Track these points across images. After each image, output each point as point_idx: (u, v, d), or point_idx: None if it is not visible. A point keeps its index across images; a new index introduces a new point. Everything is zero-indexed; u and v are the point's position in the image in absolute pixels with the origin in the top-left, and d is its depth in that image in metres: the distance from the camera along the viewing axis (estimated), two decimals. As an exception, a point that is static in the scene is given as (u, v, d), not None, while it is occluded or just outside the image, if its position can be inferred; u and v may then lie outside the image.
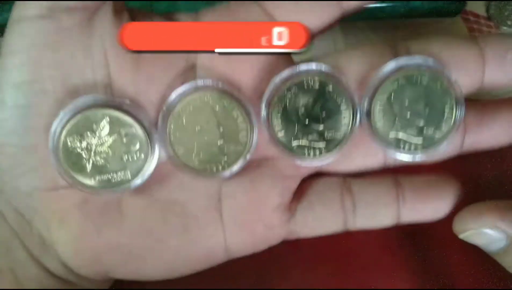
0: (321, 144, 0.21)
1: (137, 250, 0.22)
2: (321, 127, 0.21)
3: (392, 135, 0.21)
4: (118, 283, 0.25)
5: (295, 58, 0.23)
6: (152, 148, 0.22)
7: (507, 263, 0.20)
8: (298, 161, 0.21)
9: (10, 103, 0.20)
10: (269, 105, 0.21)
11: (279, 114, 0.21)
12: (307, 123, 0.21)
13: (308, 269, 0.24)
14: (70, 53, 0.20)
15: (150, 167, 0.22)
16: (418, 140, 0.21)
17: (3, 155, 0.21)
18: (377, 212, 0.23)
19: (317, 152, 0.21)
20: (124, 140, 0.21)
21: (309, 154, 0.21)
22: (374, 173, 0.23)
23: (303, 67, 0.21)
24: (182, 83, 0.22)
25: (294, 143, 0.21)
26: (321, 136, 0.21)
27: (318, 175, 0.24)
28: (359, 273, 0.29)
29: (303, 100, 0.21)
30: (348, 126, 0.21)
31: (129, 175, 0.22)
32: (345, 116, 0.21)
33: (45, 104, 0.21)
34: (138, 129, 0.21)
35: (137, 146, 0.21)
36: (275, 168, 0.23)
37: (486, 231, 0.20)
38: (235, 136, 0.22)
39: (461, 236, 0.21)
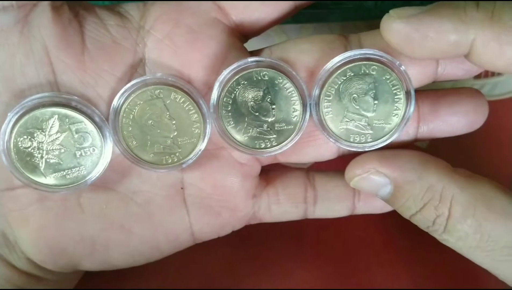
0: (272, 136, 0.22)
1: (102, 241, 0.23)
2: (271, 119, 0.21)
3: (341, 127, 0.21)
4: (88, 275, 0.26)
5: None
6: (105, 142, 0.22)
7: (397, 207, 0.21)
8: (249, 152, 0.22)
9: None
10: (218, 98, 0.21)
11: (229, 107, 0.21)
12: (257, 115, 0.21)
13: (310, 268, 0.25)
14: (10, 54, 0.20)
15: (104, 162, 0.22)
16: (368, 132, 0.21)
17: None
18: (336, 205, 0.25)
19: (268, 144, 0.22)
20: (75, 136, 0.21)
21: (260, 146, 0.22)
22: (333, 164, 0.24)
23: (252, 59, 0.21)
24: (131, 76, 0.21)
25: (244, 135, 0.22)
26: (271, 128, 0.21)
27: (282, 165, 0.24)
28: (360, 272, 0.30)
29: (252, 93, 0.21)
30: (299, 118, 0.21)
31: (84, 171, 0.22)
32: (296, 108, 0.21)
33: None
34: (88, 125, 0.21)
35: (89, 141, 0.22)
36: (230, 156, 0.23)
37: (370, 177, 0.21)
38: (188, 128, 0.22)
39: (352, 183, 0.22)
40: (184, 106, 0.21)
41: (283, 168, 0.25)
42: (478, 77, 0.33)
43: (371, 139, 0.21)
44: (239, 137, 0.22)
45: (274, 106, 0.21)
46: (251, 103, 0.21)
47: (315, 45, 0.21)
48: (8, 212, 0.22)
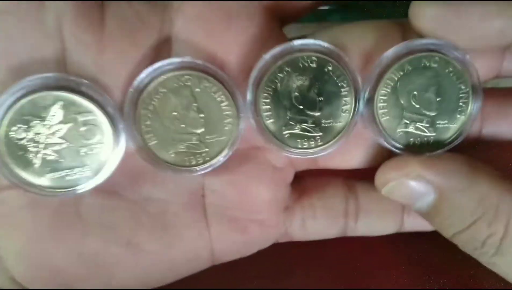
0: (317, 134, 0.19)
1: (104, 259, 0.19)
2: (317, 113, 0.18)
3: (400, 129, 0.19)
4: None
5: (287, 33, 0.20)
6: (117, 138, 0.18)
7: (437, 223, 0.18)
8: (290, 153, 0.19)
9: None
10: (257, 87, 0.18)
11: (269, 98, 0.18)
12: (301, 108, 0.18)
13: (310, 268, 0.22)
14: (17, 24, 0.16)
15: (114, 162, 0.18)
16: (430, 134, 0.19)
17: None
18: (381, 220, 0.21)
19: (312, 143, 0.19)
20: (82, 129, 0.18)
21: (303, 145, 0.19)
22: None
23: (299, 42, 0.18)
24: (154, 60, 0.18)
25: (285, 132, 0.18)
26: (317, 124, 0.18)
27: (317, 173, 0.21)
28: (359, 272, 0.28)
29: (297, 82, 0.18)
30: (350, 113, 0.18)
31: (88, 172, 0.18)
32: (346, 102, 0.18)
33: None
34: (99, 116, 0.18)
35: (98, 136, 0.18)
36: (264, 159, 0.20)
37: (410, 183, 0.17)
38: (219, 123, 0.18)
39: (384, 191, 0.18)
40: (216, 96, 0.18)
41: (317, 175, 0.22)
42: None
43: (433, 142, 0.19)
44: (279, 134, 0.18)
45: (321, 98, 0.18)
46: (295, 94, 0.18)
47: (370, 30, 0.19)
48: None
